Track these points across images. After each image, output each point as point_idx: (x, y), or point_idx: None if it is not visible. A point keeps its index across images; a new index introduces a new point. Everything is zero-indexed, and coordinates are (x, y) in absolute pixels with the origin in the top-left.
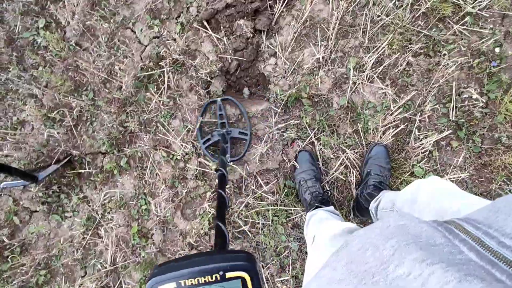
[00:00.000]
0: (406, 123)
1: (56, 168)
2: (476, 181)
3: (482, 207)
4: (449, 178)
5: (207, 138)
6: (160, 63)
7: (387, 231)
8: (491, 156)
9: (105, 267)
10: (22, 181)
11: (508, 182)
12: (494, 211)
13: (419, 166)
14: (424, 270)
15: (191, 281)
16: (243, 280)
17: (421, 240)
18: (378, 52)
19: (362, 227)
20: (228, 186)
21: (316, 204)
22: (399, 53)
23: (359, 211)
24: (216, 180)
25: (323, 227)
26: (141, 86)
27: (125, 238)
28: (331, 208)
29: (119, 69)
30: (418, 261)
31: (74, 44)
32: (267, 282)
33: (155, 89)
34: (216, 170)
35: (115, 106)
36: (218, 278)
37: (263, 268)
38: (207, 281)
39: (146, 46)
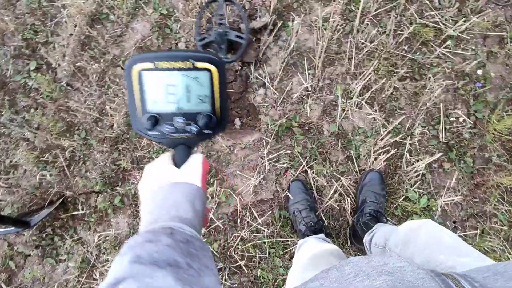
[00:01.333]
0: (396, 148)
1: (50, 212)
2: (471, 202)
3: (481, 267)
4: (444, 201)
5: (203, 37)
6: None
7: (384, 267)
8: (483, 176)
9: None
10: (14, 228)
11: (503, 202)
12: (494, 273)
13: (412, 190)
14: None
15: (166, 63)
16: (211, 73)
17: (416, 285)
18: (365, 78)
19: (352, 249)
20: (224, 219)
21: (308, 234)
22: (385, 78)
23: (355, 240)
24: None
25: (309, 247)
26: None
27: None
28: (322, 235)
29: (110, 108)
30: None
31: (65, 85)
32: None
33: None
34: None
35: (107, 145)
36: (190, 66)
37: None
38: (180, 67)
39: None
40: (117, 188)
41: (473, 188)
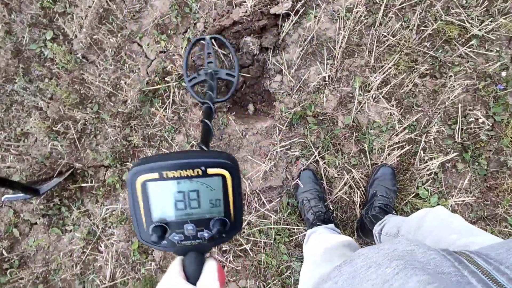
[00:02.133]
0: (411, 144)
1: (59, 182)
2: (482, 204)
3: (494, 244)
4: (455, 201)
5: (193, 77)
6: (166, 78)
7: (394, 253)
8: (497, 179)
9: (104, 283)
10: (23, 194)
11: None
12: (507, 248)
13: (424, 187)
14: None
15: (173, 173)
16: (224, 178)
17: (429, 267)
18: (384, 72)
19: (358, 242)
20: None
21: (317, 223)
22: (405, 73)
23: (362, 232)
24: (202, 113)
25: (320, 239)
26: (146, 100)
27: (125, 254)
28: (332, 225)
29: (125, 83)
30: (423, 283)
31: (80, 57)
32: None
33: (160, 104)
34: (203, 103)
35: (119, 120)
36: (200, 173)
37: None
38: (189, 175)
39: (152, 60)
40: (127, 163)
41: (486, 191)
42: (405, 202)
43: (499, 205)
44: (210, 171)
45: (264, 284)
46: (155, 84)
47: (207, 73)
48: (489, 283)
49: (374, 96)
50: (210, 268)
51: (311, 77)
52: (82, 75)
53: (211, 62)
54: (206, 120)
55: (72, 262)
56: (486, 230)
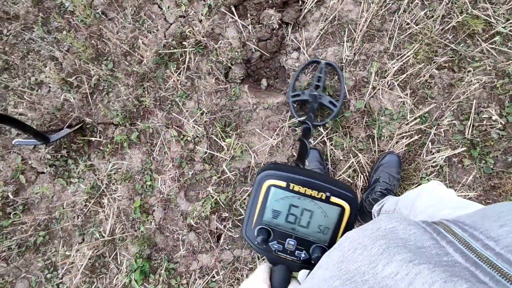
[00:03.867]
0: (420, 135)
1: (68, 133)
2: (483, 202)
3: (471, 212)
4: (457, 196)
5: (297, 93)
6: (183, 43)
7: (377, 233)
8: (501, 179)
9: (103, 237)
10: (34, 140)
11: None
12: (481, 215)
13: (427, 179)
14: (411, 270)
15: (299, 188)
16: (342, 210)
17: (410, 243)
18: (402, 60)
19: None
20: (235, 173)
21: None
22: (423, 63)
23: (361, 217)
24: (300, 131)
25: None
26: (162, 63)
27: (126, 211)
28: None
29: (142, 43)
30: (405, 261)
31: (100, 13)
32: None
33: (175, 68)
34: (303, 122)
35: (133, 80)
36: (323, 197)
37: (258, 260)
38: (313, 195)
39: (171, 24)
40: (136, 123)
41: (489, 189)
42: (407, 191)
43: None
44: (333, 199)
45: (259, 255)
46: (171, 47)
47: (312, 95)
48: (466, 252)
49: (389, 83)
50: None
51: (328, 57)
52: (100, 30)
53: (318, 86)
54: (304, 140)
55: (74, 213)
56: None
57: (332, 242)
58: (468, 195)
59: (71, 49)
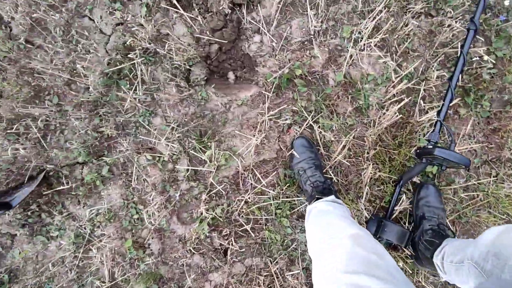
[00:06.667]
0: (409, 95)
1: (31, 191)
2: (486, 148)
3: None
4: (459, 149)
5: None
6: (129, 55)
7: None
8: (500, 120)
9: (104, 283)
10: None
11: None
12: None
13: (425, 139)
14: None
15: None
16: None
17: None
18: (374, 17)
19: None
20: (225, 183)
21: (317, 196)
22: (398, 15)
23: (419, 262)
24: None
25: (329, 233)
26: (111, 83)
27: (121, 251)
28: (332, 197)
29: (82, 67)
30: None
31: (24, 42)
32: (277, 278)
33: (128, 86)
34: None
35: (85, 110)
36: None
37: (271, 264)
38: None
39: (109, 36)
40: (103, 157)
41: (490, 134)
42: (407, 157)
43: (504, 147)
44: None
45: (271, 259)
46: (118, 63)
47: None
48: None
49: (365, 45)
50: None
51: (294, 32)
52: (29, 63)
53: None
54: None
55: (66, 268)
56: (491, 175)
57: None
58: (468, 148)
59: (4, 93)
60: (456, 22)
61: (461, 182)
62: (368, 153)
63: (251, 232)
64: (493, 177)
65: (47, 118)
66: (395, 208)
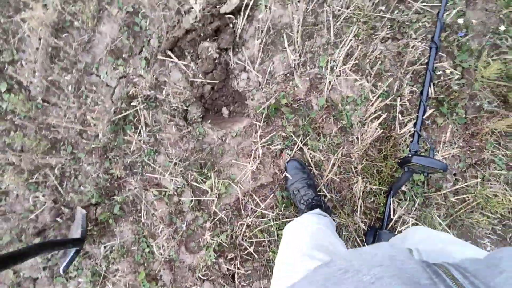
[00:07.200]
0: (388, 111)
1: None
2: (468, 152)
3: (473, 259)
4: (442, 155)
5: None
6: (132, 103)
7: (374, 259)
8: (477, 125)
9: None
10: (74, 248)
11: (499, 147)
12: (486, 265)
13: (409, 150)
14: None
15: None
16: None
17: (406, 275)
18: (346, 46)
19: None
20: (227, 210)
21: (304, 211)
22: (367, 42)
23: None
24: None
25: (298, 237)
26: (118, 129)
27: (135, 286)
28: (317, 210)
29: (92, 118)
30: None
31: (41, 102)
32: None
33: (133, 130)
34: None
35: (96, 156)
36: None
37: None
38: None
39: (114, 88)
40: (114, 197)
41: (469, 138)
42: (395, 168)
43: (484, 149)
44: None
45: None
46: (123, 111)
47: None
48: None
49: (341, 71)
50: None
51: (276, 67)
52: (46, 119)
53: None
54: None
55: None
56: (477, 177)
57: None
58: (450, 154)
59: (25, 148)
60: (419, 42)
61: (449, 187)
62: (356, 168)
63: (255, 255)
64: (480, 178)
65: (63, 166)
66: (392, 218)
